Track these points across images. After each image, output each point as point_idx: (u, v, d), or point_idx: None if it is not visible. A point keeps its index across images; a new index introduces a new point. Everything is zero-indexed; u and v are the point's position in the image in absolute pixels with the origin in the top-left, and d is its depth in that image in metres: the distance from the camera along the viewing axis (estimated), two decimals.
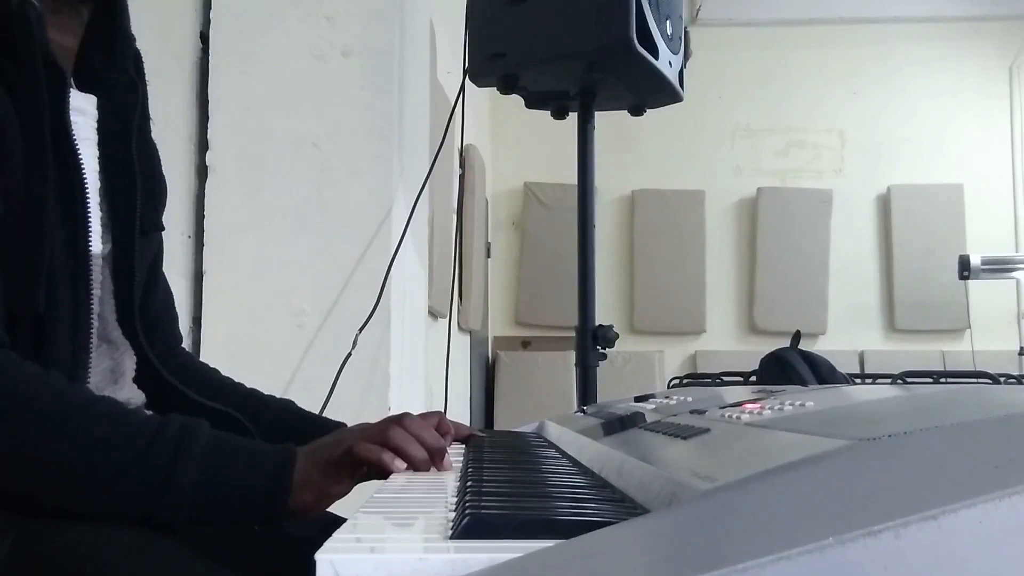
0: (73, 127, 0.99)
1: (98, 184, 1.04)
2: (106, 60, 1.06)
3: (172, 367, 1.16)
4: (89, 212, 0.99)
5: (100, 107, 1.05)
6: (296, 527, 1.04)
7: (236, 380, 1.28)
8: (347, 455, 0.92)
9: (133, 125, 1.08)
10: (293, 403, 1.27)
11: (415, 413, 1.04)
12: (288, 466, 0.89)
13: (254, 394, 1.26)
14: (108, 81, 1.06)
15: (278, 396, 1.28)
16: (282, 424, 1.22)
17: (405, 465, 0.94)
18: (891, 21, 6.98)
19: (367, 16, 2.38)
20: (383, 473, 0.93)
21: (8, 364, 0.85)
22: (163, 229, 1.18)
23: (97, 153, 1.04)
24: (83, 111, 1.03)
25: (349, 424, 1.25)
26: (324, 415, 1.36)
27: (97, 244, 1.02)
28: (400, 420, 0.97)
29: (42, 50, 0.94)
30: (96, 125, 1.05)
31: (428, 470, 0.94)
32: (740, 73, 7.00)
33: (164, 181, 1.19)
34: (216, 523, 0.89)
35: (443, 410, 2.01)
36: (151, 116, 1.17)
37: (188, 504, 0.85)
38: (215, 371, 1.29)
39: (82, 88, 1.04)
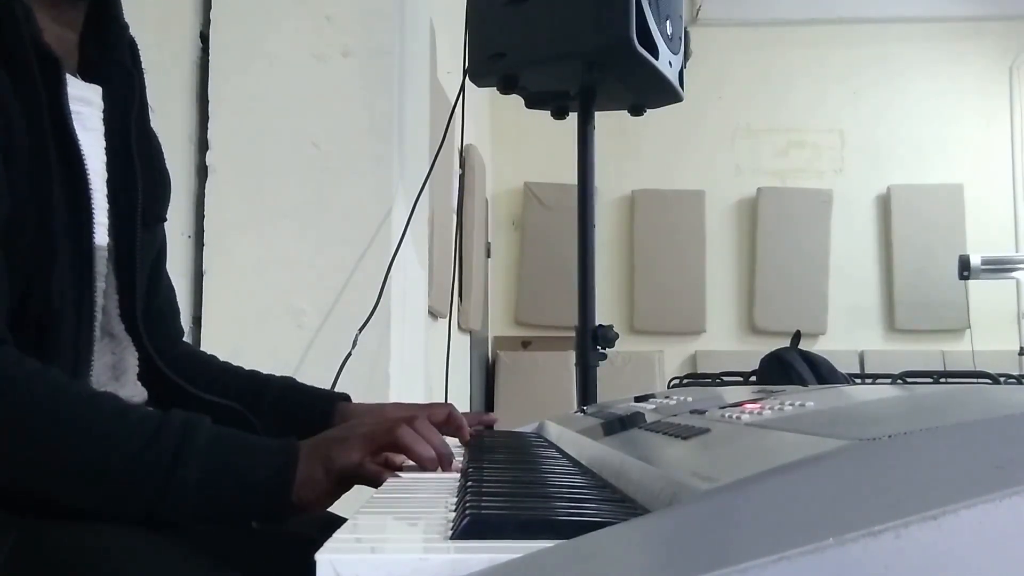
0: (78, 117, 0.98)
1: (105, 175, 1.03)
2: (102, 50, 1.06)
3: (171, 357, 1.15)
4: (93, 204, 0.98)
5: (104, 97, 1.05)
6: (296, 527, 1.04)
7: (235, 365, 1.28)
8: (356, 468, 0.91)
9: (132, 115, 1.07)
10: (294, 380, 1.27)
11: (424, 402, 1.04)
12: (291, 462, 0.89)
13: (255, 376, 1.26)
14: (106, 71, 1.06)
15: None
16: (286, 402, 1.22)
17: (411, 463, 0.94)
18: (891, 21, 6.98)
19: (367, 16, 2.38)
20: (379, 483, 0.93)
21: (8, 361, 0.85)
22: (165, 220, 1.18)
23: (104, 144, 1.04)
24: (88, 101, 1.03)
25: (352, 397, 1.25)
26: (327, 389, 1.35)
27: (103, 236, 1.01)
28: (411, 420, 0.96)
29: (33, 42, 0.94)
30: (102, 116, 1.05)
31: (435, 470, 0.94)
32: (740, 73, 7.00)
33: (167, 172, 1.19)
34: (218, 520, 0.89)
35: None
36: (151, 106, 1.16)
37: (191, 501, 0.85)
38: (213, 357, 1.29)
39: (87, 79, 1.04)
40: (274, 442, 0.92)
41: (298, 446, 0.91)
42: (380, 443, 0.93)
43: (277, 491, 0.88)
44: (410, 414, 0.99)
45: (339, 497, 0.93)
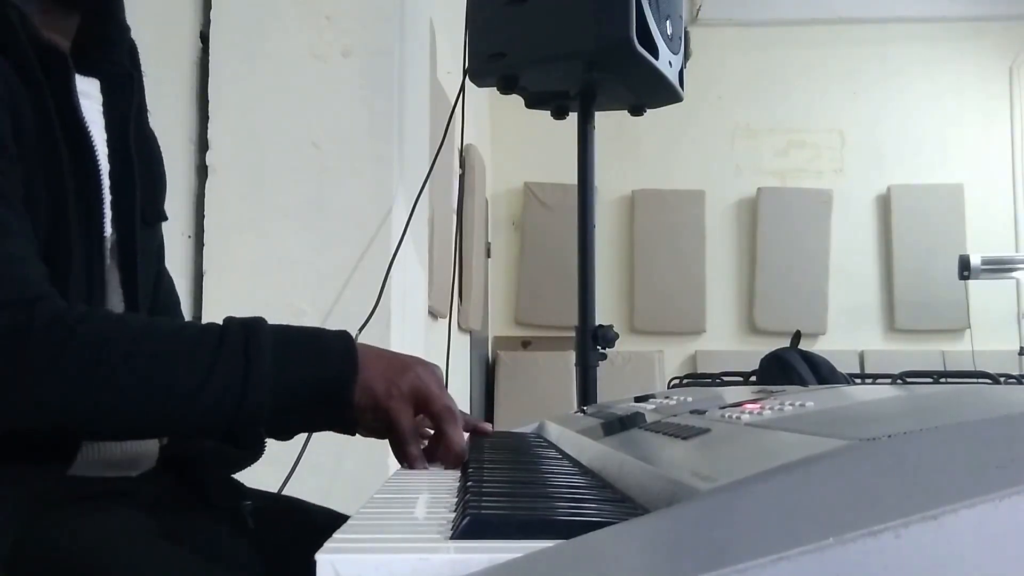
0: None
1: (107, 167, 1.04)
2: (101, 50, 1.06)
3: None
4: (103, 194, 0.99)
5: (103, 91, 1.06)
6: (296, 526, 1.04)
7: None
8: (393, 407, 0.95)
9: (130, 115, 1.07)
10: None
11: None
12: (352, 368, 0.93)
13: None
14: (104, 69, 1.06)
15: None
16: None
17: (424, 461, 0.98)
18: (891, 21, 6.99)
19: (367, 16, 2.38)
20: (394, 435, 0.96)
21: (61, 312, 0.85)
22: (165, 219, 1.18)
23: (105, 136, 1.04)
24: (87, 94, 1.03)
25: None
26: None
27: (108, 228, 1.02)
28: (456, 420, 0.99)
29: (34, 41, 0.94)
30: (101, 109, 1.05)
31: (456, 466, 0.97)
32: (740, 73, 7.00)
33: (164, 173, 1.19)
34: (292, 416, 0.92)
35: None
36: (148, 108, 1.17)
37: (263, 420, 0.88)
38: None
39: (83, 73, 1.04)
40: (334, 348, 0.94)
41: (356, 355, 0.94)
42: (422, 409, 0.98)
43: (344, 378, 0.92)
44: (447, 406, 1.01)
45: (400, 402, 0.95)
